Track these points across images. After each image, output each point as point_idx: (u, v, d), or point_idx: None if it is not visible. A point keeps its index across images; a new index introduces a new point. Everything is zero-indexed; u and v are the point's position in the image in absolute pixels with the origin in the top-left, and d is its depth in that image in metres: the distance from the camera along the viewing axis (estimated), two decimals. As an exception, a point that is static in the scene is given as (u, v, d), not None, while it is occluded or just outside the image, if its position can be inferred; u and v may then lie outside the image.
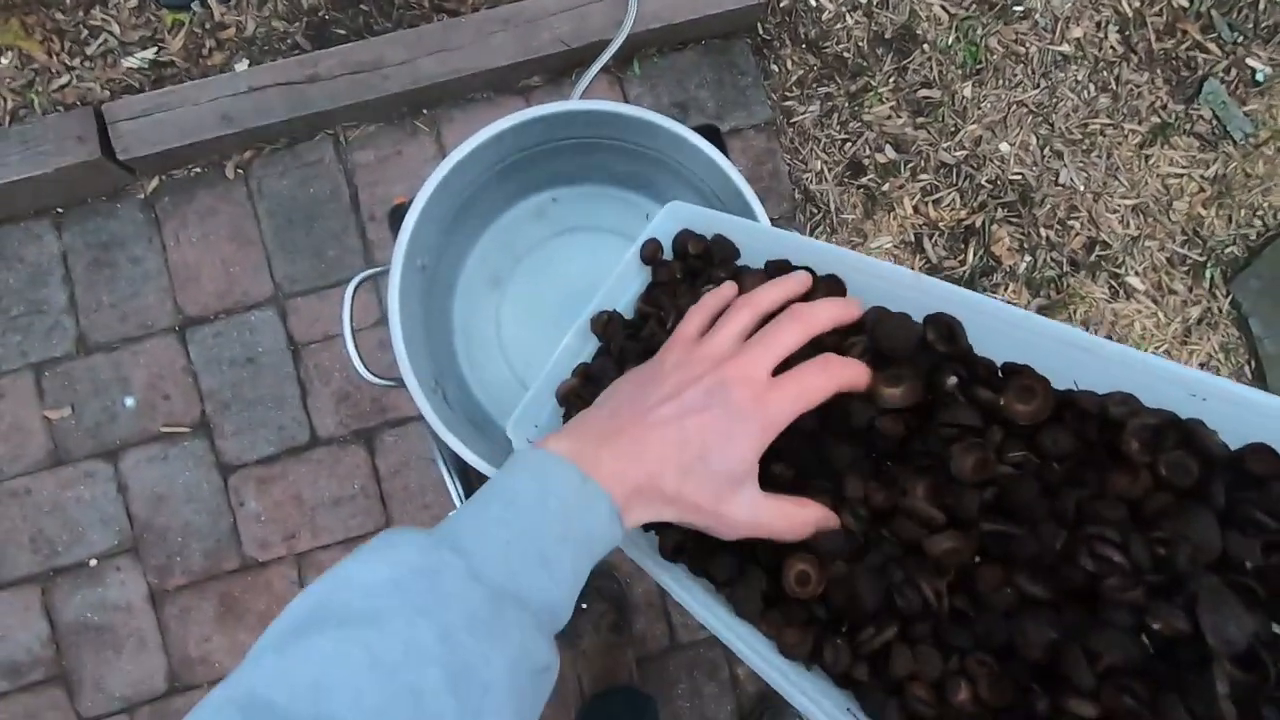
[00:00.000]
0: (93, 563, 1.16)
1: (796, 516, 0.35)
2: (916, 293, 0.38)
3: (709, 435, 0.33)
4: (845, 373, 0.35)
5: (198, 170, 1.20)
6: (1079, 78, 1.28)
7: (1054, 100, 1.27)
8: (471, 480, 0.68)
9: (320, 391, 1.19)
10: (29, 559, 1.15)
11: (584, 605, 1.10)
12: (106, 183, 1.17)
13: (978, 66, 1.26)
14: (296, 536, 1.18)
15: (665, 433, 0.34)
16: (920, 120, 1.26)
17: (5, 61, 1.16)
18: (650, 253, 0.52)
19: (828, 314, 0.37)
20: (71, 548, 1.16)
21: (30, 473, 1.16)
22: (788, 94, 1.26)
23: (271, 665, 0.25)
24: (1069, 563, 0.32)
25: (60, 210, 1.19)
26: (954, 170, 1.25)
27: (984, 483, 0.34)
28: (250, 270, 1.20)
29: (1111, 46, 1.28)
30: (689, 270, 0.51)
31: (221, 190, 1.20)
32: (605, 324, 0.51)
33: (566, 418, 0.51)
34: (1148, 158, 1.27)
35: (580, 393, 0.50)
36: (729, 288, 0.42)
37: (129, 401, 1.18)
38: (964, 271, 1.23)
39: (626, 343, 0.49)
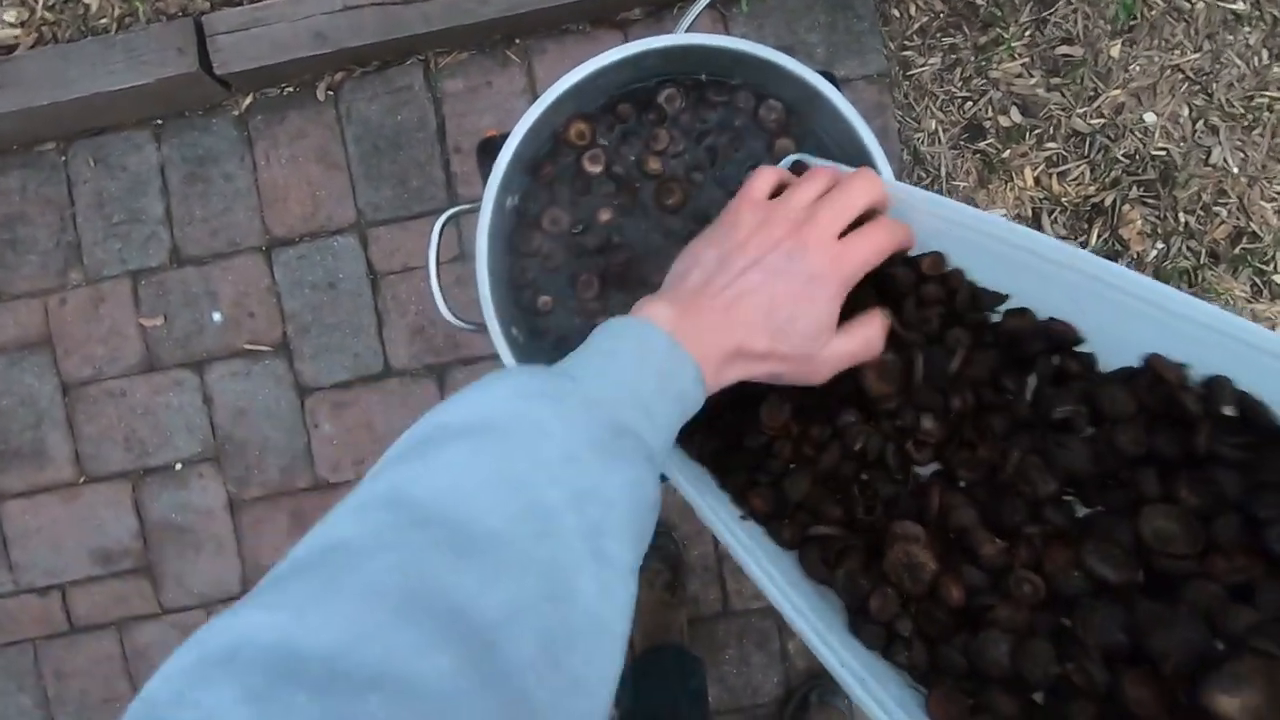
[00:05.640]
0: (178, 466, 1.22)
1: (873, 338, 0.39)
2: (1070, 271, 0.34)
3: (793, 301, 0.37)
4: (900, 233, 0.39)
5: (290, 90, 1.19)
6: (1250, 41, 1.12)
7: (1216, 66, 1.12)
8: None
9: (396, 323, 1.20)
10: (122, 456, 1.22)
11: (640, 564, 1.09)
12: (203, 96, 1.18)
13: (1131, 22, 1.12)
14: (365, 462, 1.21)
15: (754, 300, 0.36)
16: (1055, 81, 1.13)
17: (113, -33, 1.16)
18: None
19: (881, 185, 0.40)
20: (160, 450, 1.22)
21: (126, 376, 1.22)
22: (907, 43, 1.15)
23: (408, 469, 0.27)
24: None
25: (160, 122, 1.21)
26: (1087, 140, 1.13)
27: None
28: (335, 195, 1.20)
29: (1296, 6, 1.11)
30: None
31: (312, 112, 1.19)
32: None
33: None
34: (1320, 140, 1.11)
35: None
36: (783, 171, 0.44)
37: (216, 316, 1.21)
38: (1084, 254, 1.13)
39: None
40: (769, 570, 0.38)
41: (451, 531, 0.24)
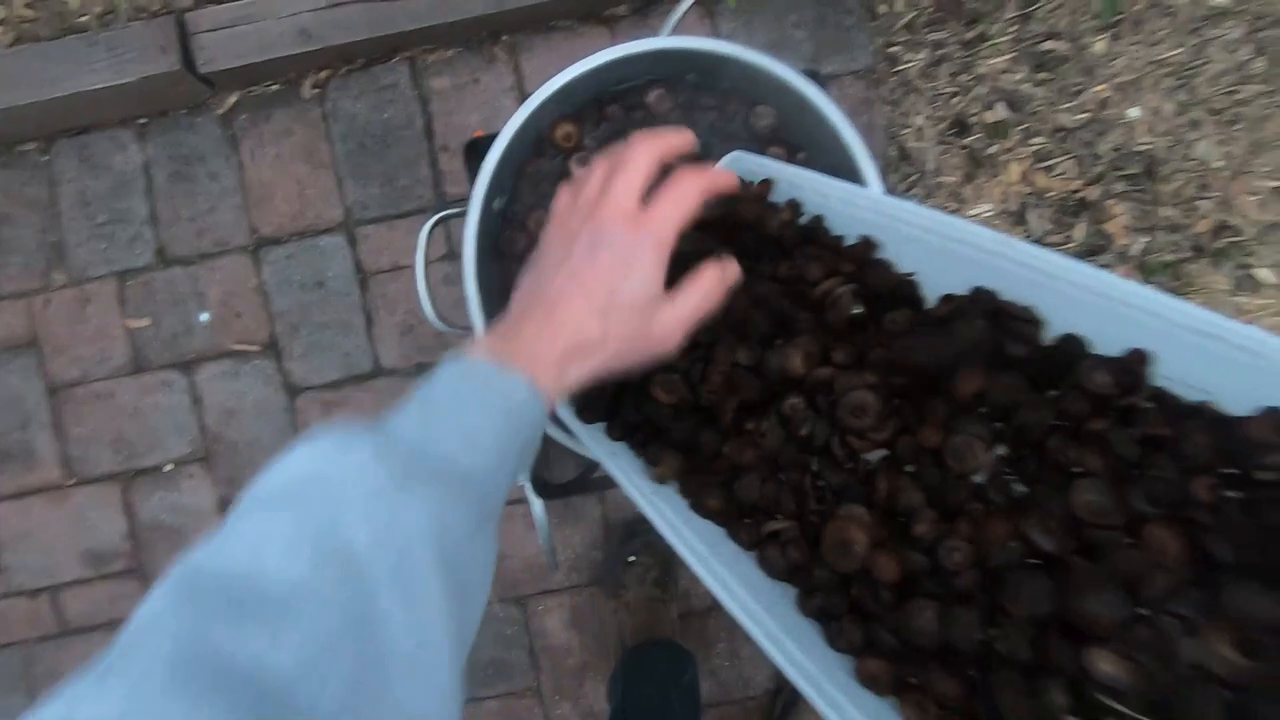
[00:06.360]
0: (168, 467, 1.22)
1: (709, 289, 0.39)
2: (1014, 265, 0.34)
3: (609, 277, 0.36)
4: (709, 177, 0.39)
5: (275, 88, 1.18)
6: (1233, 36, 1.12)
7: (1199, 61, 1.13)
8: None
9: (385, 322, 1.19)
10: (111, 458, 1.22)
11: (632, 559, 1.10)
12: (187, 95, 1.17)
13: (1115, 18, 1.13)
14: (356, 461, 1.21)
15: (571, 293, 0.37)
16: (1041, 76, 1.14)
17: (93, -37, 1.15)
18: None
19: (670, 138, 0.40)
20: (149, 452, 1.21)
21: (113, 377, 1.21)
22: (894, 39, 1.16)
23: (209, 546, 0.27)
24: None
25: (144, 121, 1.20)
26: (1072, 135, 1.14)
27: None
28: (322, 194, 1.19)
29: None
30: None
31: (297, 110, 1.19)
32: None
33: None
34: (1301, 134, 1.12)
35: None
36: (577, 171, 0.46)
37: (204, 316, 1.20)
38: (1070, 249, 1.13)
39: None
40: (714, 566, 0.38)
41: (237, 595, 0.24)
